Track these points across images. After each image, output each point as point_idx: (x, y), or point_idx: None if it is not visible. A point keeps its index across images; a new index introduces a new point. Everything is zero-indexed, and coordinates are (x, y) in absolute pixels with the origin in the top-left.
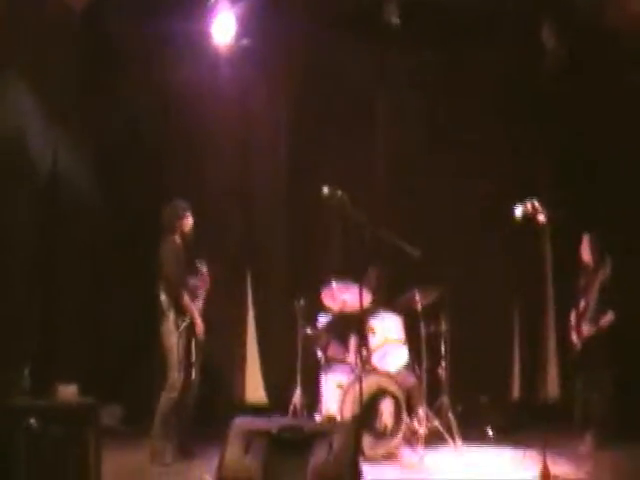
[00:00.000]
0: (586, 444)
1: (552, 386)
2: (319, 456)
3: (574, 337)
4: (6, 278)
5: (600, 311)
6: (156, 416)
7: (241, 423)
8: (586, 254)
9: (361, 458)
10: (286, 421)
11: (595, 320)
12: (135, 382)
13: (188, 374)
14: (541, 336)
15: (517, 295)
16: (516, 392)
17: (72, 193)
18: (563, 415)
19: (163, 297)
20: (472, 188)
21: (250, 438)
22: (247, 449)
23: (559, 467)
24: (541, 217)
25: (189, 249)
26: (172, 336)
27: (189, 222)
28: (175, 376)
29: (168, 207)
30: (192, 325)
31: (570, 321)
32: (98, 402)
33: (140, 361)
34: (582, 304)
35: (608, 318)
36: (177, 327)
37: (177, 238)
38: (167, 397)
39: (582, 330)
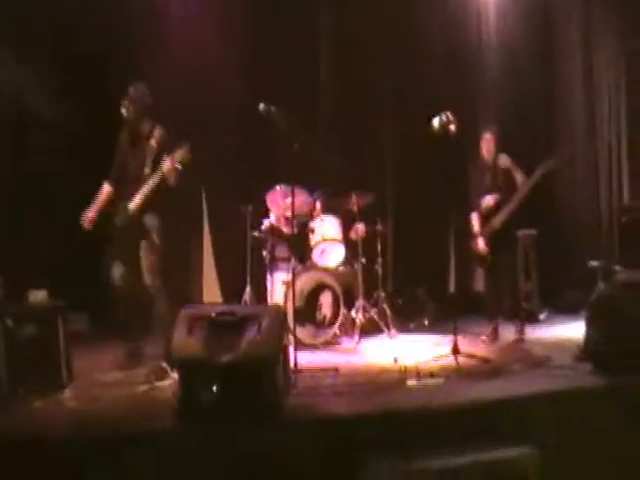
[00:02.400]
0: (492, 330)
1: (479, 280)
2: (250, 334)
3: (479, 238)
4: None
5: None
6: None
7: (186, 311)
8: (485, 151)
9: (302, 346)
10: (223, 307)
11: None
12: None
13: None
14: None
15: (450, 197)
16: (452, 286)
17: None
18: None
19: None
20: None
21: (193, 322)
22: (190, 331)
23: (471, 347)
24: (452, 127)
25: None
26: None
27: (148, 101)
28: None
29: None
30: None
31: (471, 220)
32: (66, 306)
33: None
34: (491, 200)
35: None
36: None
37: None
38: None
39: (493, 224)
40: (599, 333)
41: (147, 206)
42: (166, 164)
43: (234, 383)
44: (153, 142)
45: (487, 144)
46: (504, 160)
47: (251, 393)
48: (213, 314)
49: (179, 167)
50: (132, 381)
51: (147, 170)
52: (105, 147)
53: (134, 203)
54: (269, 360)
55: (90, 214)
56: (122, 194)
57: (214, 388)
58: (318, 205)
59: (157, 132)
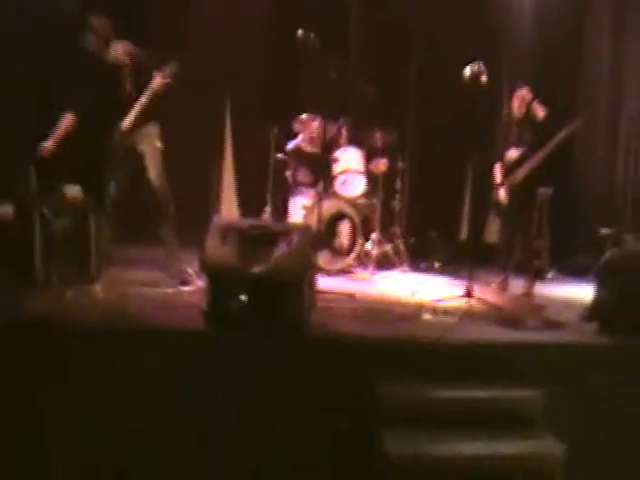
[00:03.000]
0: (503, 280)
1: (493, 231)
2: (281, 249)
3: (501, 188)
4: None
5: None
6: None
7: (219, 221)
8: (517, 106)
9: (319, 271)
10: (256, 222)
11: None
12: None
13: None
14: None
15: (474, 146)
16: (464, 233)
17: None
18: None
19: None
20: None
21: (226, 232)
22: (224, 241)
23: (481, 292)
24: (484, 77)
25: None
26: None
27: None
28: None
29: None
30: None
31: (495, 170)
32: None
33: None
34: (515, 153)
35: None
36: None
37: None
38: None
39: (515, 177)
40: (607, 295)
41: (144, 119)
42: (156, 81)
43: (262, 294)
44: (125, 59)
45: (521, 100)
46: (542, 115)
47: (278, 306)
48: (246, 227)
49: (170, 81)
50: (158, 282)
51: (129, 88)
52: None
53: (127, 122)
54: (297, 275)
55: (49, 144)
56: (111, 118)
57: (243, 297)
58: (344, 134)
59: (121, 48)
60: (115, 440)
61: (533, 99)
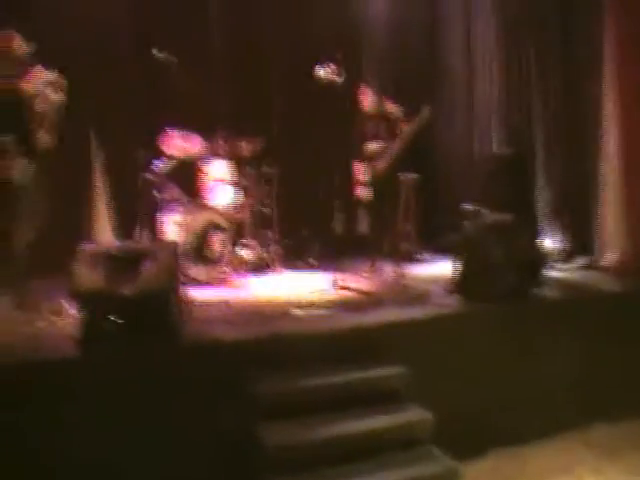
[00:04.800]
0: (372, 266)
1: (362, 223)
2: (147, 267)
3: (360, 185)
4: None
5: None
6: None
7: (87, 248)
8: (366, 102)
9: (194, 282)
10: (122, 245)
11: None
12: None
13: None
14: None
15: (335, 144)
16: (338, 227)
17: None
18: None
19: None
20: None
21: (93, 258)
22: (93, 267)
23: (352, 281)
24: (337, 78)
25: None
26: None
27: (22, 49)
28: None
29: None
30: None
31: (355, 167)
32: None
33: None
34: (374, 146)
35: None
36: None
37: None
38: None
39: (376, 170)
40: (464, 268)
41: None
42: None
43: (133, 313)
44: None
45: (364, 95)
46: (392, 109)
47: (149, 322)
48: (112, 250)
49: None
50: (30, 319)
51: None
52: None
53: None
54: (166, 290)
55: None
56: None
57: (114, 318)
58: (221, 144)
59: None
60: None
61: (379, 93)
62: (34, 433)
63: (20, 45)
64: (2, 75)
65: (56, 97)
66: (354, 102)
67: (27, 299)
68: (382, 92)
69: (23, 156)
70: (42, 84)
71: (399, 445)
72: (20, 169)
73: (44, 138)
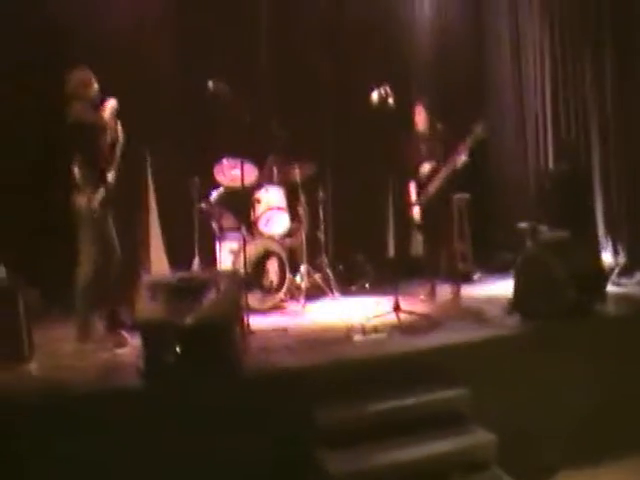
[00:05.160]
0: (430, 289)
1: (416, 245)
2: (209, 297)
3: (415, 206)
4: None
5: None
6: (77, 293)
7: (148, 279)
8: (419, 122)
9: (251, 311)
10: (183, 274)
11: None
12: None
13: (107, 247)
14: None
15: (388, 167)
16: (391, 250)
17: None
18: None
19: (77, 170)
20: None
21: (155, 288)
22: (154, 297)
23: (410, 305)
24: (390, 100)
25: None
26: (88, 209)
27: (95, 89)
28: (93, 250)
29: (74, 74)
30: (106, 197)
31: (409, 189)
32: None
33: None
34: (427, 167)
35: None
36: (93, 200)
37: (87, 105)
38: (85, 272)
39: (429, 191)
40: (524, 286)
41: None
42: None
43: (196, 343)
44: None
45: (419, 116)
46: (444, 128)
47: (212, 352)
48: (173, 280)
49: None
50: (93, 350)
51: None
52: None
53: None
54: (228, 320)
55: None
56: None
57: (177, 349)
58: (274, 172)
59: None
60: None
61: (431, 113)
62: (98, 463)
63: (94, 84)
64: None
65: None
66: (407, 123)
67: (89, 330)
68: (434, 111)
69: (97, 187)
70: (112, 115)
71: (464, 468)
72: (97, 200)
73: (112, 168)
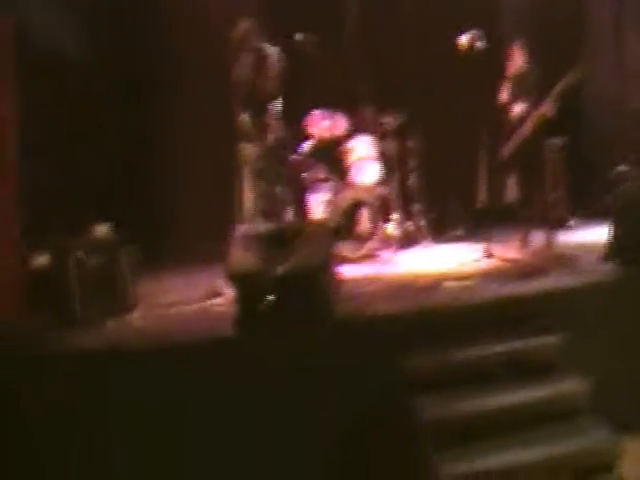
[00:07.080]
0: (523, 236)
1: (511, 190)
2: (301, 247)
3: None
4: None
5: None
6: None
7: (239, 230)
8: (513, 63)
9: (343, 260)
10: (275, 225)
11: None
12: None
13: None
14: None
15: (480, 111)
16: (483, 197)
17: None
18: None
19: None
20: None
21: (247, 240)
22: (246, 248)
23: (502, 251)
24: (479, 43)
25: None
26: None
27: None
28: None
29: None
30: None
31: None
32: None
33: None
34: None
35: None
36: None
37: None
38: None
39: (523, 132)
40: (624, 230)
41: None
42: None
43: (288, 292)
44: None
45: (514, 55)
46: (534, 70)
47: (304, 300)
48: (266, 231)
49: None
50: (190, 301)
51: None
52: None
53: None
54: (320, 269)
55: None
56: None
57: (270, 298)
58: (367, 120)
59: None
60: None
61: (524, 55)
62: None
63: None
64: None
65: None
66: (498, 67)
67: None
68: (528, 52)
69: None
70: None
71: (557, 416)
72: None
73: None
